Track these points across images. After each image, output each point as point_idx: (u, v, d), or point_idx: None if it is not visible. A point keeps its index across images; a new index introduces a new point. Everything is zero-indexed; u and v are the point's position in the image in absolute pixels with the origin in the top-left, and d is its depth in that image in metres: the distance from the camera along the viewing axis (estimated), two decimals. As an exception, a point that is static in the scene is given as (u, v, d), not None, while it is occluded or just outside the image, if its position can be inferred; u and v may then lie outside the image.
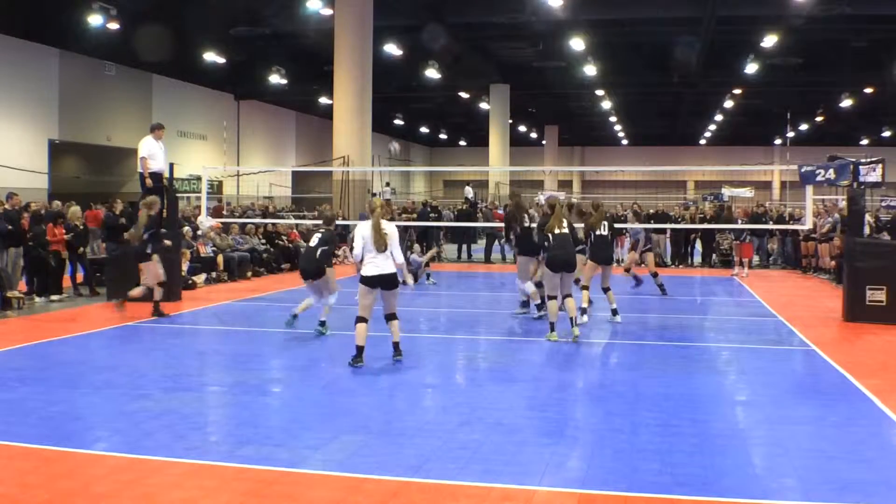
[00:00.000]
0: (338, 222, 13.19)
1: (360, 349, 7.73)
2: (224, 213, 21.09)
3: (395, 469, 4.84)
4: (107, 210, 15.36)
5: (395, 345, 7.91)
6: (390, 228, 7.78)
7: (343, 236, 18.87)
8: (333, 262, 11.07)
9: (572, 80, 31.36)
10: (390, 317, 7.89)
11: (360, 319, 7.76)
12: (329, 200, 23.62)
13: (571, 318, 9.20)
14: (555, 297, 9.28)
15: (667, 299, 13.51)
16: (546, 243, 9.42)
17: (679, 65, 28.28)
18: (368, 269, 7.68)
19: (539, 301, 10.82)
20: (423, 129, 50.34)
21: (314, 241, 9.65)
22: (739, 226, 18.37)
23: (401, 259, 7.89)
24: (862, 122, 40.83)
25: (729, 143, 50.12)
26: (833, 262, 16.19)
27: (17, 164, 20.53)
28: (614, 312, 10.74)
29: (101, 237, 14.65)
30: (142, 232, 11.02)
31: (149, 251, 11.07)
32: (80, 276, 13.78)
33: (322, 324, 9.64)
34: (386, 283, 7.72)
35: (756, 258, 20.03)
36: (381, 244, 7.61)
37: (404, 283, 8.21)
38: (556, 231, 9.25)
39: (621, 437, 5.56)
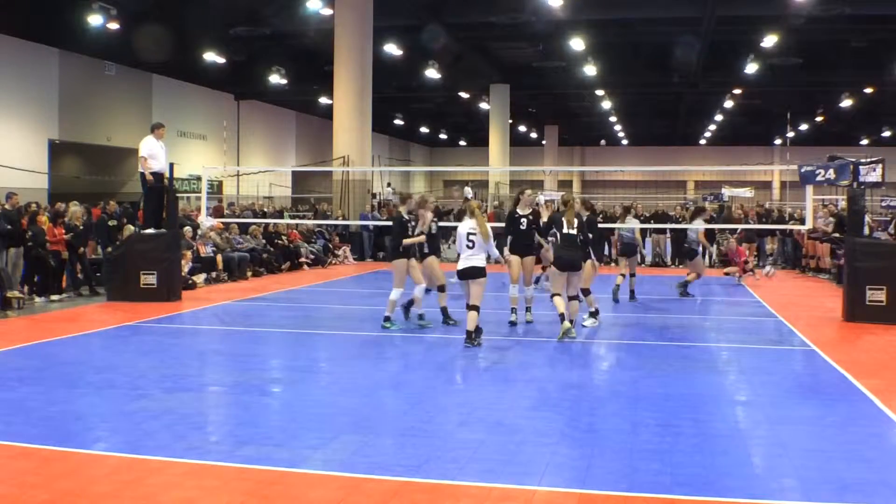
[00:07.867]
0: (336, 222, 13.18)
1: (468, 333, 8.75)
2: (225, 212, 21.10)
3: (395, 469, 4.83)
4: (102, 211, 15.39)
5: (468, 333, 8.68)
6: (485, 228, 8.89)
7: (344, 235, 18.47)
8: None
9: (572, 80, 31.34)
10: (469, 307, 8.79)
11: (468, 307, 8.86)
12: (329, 200, 23.62)
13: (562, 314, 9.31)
14: (559, 294, 9.45)
15: (666, 299, 13.50)
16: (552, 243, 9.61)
17: (679, 65, 28.26)
18: (459, 264, 8.96)
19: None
20: (424, 129, 50.31)
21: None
22: (739, 226, 18.36)
23: (495, 254, 9.40)
24: (862, 122, 40.83)
25: (729, 143, 50.10)
26: (833, 262, 16.18)
27: (17, 164, 20.51)
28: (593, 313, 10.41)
29: (96, 238, 14.63)
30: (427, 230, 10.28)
31: (427, 251, 10.45)
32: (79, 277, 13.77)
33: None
34: (470, 274, 8.82)
35: (755, 259, 19.99)
36: (486, 237, 8.86)
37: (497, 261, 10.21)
38: (564, 230, 9.43)
39: (621, 437, 5.55)
